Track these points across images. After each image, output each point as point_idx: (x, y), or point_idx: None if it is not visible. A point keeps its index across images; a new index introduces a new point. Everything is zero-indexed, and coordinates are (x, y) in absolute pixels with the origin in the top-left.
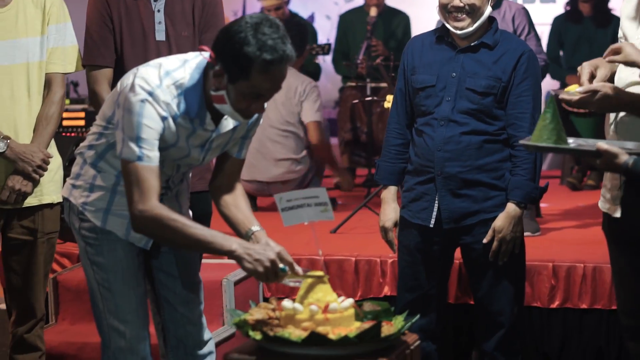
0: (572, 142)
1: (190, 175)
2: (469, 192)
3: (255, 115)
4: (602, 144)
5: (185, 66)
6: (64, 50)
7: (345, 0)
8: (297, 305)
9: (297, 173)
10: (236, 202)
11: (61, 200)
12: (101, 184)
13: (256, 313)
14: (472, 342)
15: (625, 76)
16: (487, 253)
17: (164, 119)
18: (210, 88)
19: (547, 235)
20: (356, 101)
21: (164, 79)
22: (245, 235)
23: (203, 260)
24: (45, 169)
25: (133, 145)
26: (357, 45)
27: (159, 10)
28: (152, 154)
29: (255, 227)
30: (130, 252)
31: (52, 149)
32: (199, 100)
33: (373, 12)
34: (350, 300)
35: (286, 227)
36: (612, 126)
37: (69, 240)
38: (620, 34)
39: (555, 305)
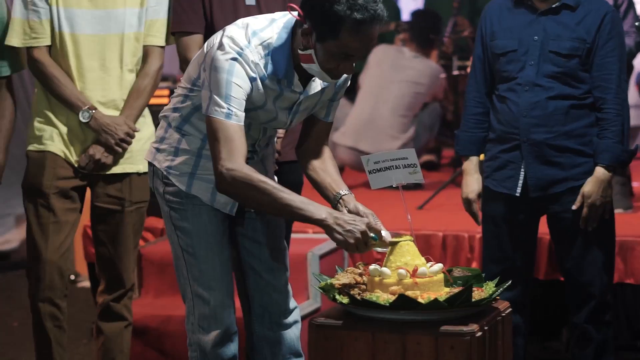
0: None
1: (277, 141)
2: (556, 159)
3: (344, 77)
4: None
5: (273, 25)
6: (164, 22)
7: None
8: (384, 269)
9: None
10: (324, 165)
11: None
12: (186, 148)
13: (343, 278)
14: (563, 319)
15: None
16: (575, 222)
17: (252, 79)
18: (298, 47)
19: None
20: (443, 76)
21: (252, 39)
22: (334, 199)
23: None
24: (129, 143)
25: (221, 103)
26: (443, 24)
27: None
28: (240, 113)
29: (344, 191)
30: (215, 217)
31: (147, 118)
32: (286, 61)
33: None
34: (440, 265)
35: (373, 204)
36: None
37: (151, 214)
38: None
39: None
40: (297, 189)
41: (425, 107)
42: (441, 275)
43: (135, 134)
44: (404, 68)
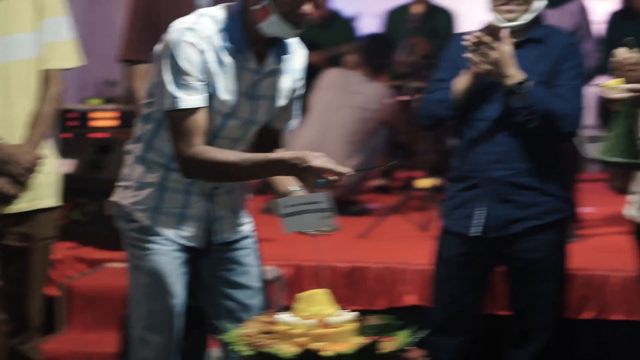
0: None
1: None
2: (514, 197)
3: (300, 70)
4: None
5: (222, 5)
6: (61, 45)
7: None
8: (292, 318)
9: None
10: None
11: (57, 204)
12: (150, 181)
13: (252, 326)
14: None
15: None
16: (531, 264)
17: (202, 52)
18: (252, 9)
19: (587, 242)
20: (392, 100)
21: (202, 16)
22: (283, 195)
23: None
24: (33, 172)
25: (172, 91)
26: (396, 48)
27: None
28: (189, 98)
29: (295, 188)
30: (176, 259)
31: (51, 149)
32: (241, 32)
33: (417, 9)
34: (354, 314)
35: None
36: None
37: (89, 244)
38: None
39: (588, 316)
40: None
41: (374, 133)
42: (353, 325)
43: (41, 167)
44: (352, 93)
